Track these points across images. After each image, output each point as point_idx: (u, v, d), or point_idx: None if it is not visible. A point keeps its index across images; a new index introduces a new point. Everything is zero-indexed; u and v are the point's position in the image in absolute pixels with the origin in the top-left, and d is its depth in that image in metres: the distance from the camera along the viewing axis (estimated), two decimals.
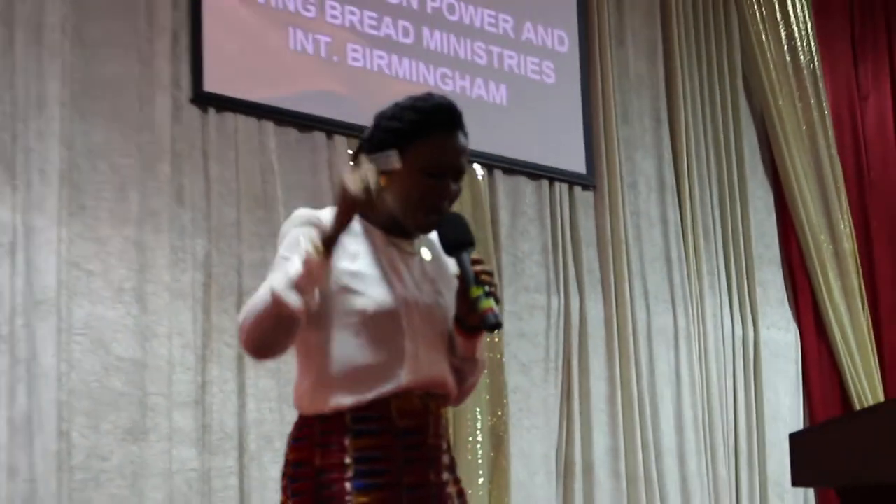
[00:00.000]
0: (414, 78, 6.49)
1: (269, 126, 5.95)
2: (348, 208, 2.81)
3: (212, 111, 5.80)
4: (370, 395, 2.88)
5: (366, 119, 6.16)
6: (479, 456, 6.26)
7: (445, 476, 3.02)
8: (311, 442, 2.92)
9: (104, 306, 5.33)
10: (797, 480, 5.33)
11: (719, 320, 7.41)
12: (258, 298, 2.81)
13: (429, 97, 3.07)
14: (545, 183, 6.89)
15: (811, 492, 7.44)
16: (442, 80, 6.59)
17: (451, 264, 3.06)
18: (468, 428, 6.26)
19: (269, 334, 2.83)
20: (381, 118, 3.04)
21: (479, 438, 6.28)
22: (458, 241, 2.99)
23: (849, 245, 7.89)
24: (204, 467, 5.44)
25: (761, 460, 7.35)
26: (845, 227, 7.90)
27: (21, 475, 4.96)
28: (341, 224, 2.82)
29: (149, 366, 5.37)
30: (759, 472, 7.33)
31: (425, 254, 3.10)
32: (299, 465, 2.94)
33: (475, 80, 6.72)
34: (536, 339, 6.65)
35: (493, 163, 6.67)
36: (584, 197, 7.02)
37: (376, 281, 2.95)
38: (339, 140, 6.15)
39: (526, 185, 6.82)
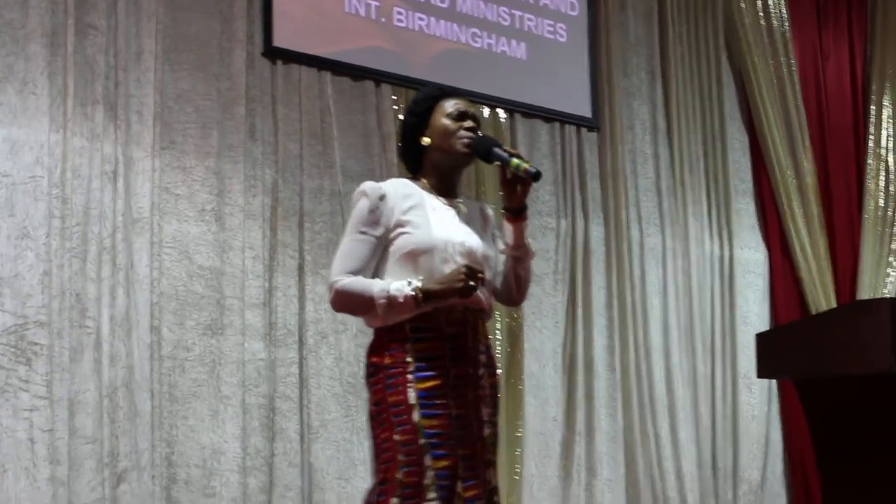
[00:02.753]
0: (448, 36, 6.44)
1: (327, 76, 5.92)
2: (452, 294, 3.16)
3: (279, 63, 5.78)
4: (423, 309, 3.19)
5: (407, 69, 6.19)
6: (499, 351, 6.28)
7: (482, 371, 3.32)
8: (382, 349, 3.25)
9: (189, 224, 5.35)
10: (761, 373, 5.35)
11: (701, 241, 7.37)
12: (359, 288, 3.22)
13: (424, 90, 3.51)
14: (557, 125, 6.84)
15: (775, 384, 7.44)
16: (472, 39, 6.54)
17: (486, 217, 3.52)
18: (490, 328, 6.27)
19: (352, 312, 3.40)
20: (405, 119, 3.47)
21: (499, 337, 6.30)
22: (489, 146, 3.35)
23: (811, 180, 7.82)
24: (270, 358, 5.48)
25: (733, 357, 7.33)
26: (808, 165, 7.83)
27: (121, 362, 5.01)
28: (441, 297, 3.16)
29: (225, 273, 5.40)
30: (731, 367, 7.31)
31: (463, 206, 3.43)
32: (374, 367, 3.26)
33: (500, 39, 6.67)
34: (547, 255, 6.64)
35: (513, 108, 6.64)
36: (589, 137, 6.98)
37: (423, 224, 3.27)
38: (385, 88, 6.12)
39: (541, 127, 6.78)
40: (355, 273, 3.23)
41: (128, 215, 5.14)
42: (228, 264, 5.40)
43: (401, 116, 6.10)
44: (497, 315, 6.29)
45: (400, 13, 6.27)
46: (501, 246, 3.49)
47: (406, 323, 3.21)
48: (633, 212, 7.03)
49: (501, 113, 6.59)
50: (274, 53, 5.76)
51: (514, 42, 6.72)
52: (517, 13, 6.77)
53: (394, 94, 6.15)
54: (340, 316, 5.26)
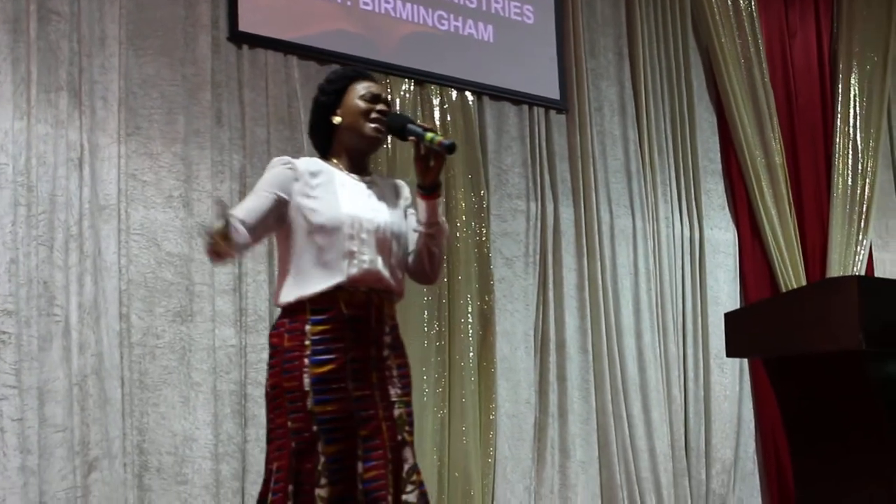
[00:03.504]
0: (415, 19, 6.44)
1: (294, 60, 5.92)
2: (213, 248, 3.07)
3: (245, 48, 5.77)
4: (322, 286, 3.22)
5: (374, 53, 6.18)
6: (471, 334, 6.29)
7: (386, 353, 3.35)
8: (282, 330, 3.27)
9: (156, 210, 5.33)
10: (731, 352, 5.39)
11: (671, 222, 7.41)
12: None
13: (337, 70, 3.54)
14: (525, 108, 6.85)
15: (746, 363, 7.48)
16: (438, 21, 6.54)
17: (399, 193, 3.53)
18: (461, 311, 6.29)
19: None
20: (316, 99, 3.48)
21: (471, 320, 6.31)
22: (403, 122, 3.41)
23: (779, 159, 7.87)
24: (241, 344, 5.47)
25: (704, 337, 7.38)
26: (776, 144, 7.88)
27: (90, 350, 4.99)
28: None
29: (194, 259, 5.38)
30: (702, 347, 7.36)
31: (375, 182, 3.45)
32: (273, 347, 3.29)
33: (466, 21, 6.67)
34: (518, 237, 6.66)
35: (481, 91, 6.64)
36: (558, 119, 7.00)
37: (331, 199, 3.29)
38: None
39: (509, 110, 6.79)
40: (242, 222, 3.18)
41: (94, 202, 5.12)
42: (197, 251, 5.38)
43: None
44: (468, 298, 6.30)
45: None
46: (415, 224, 3.49)
47: (307, 303, 3.22)
48: (602, 193, 7.05)
49: (469, 96, 6.59)
50: (239, 38, 5.74)
51: (481, 24, 6.72)
52: None
53: None
54: None
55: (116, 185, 5.21)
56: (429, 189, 3.39)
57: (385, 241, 3.33)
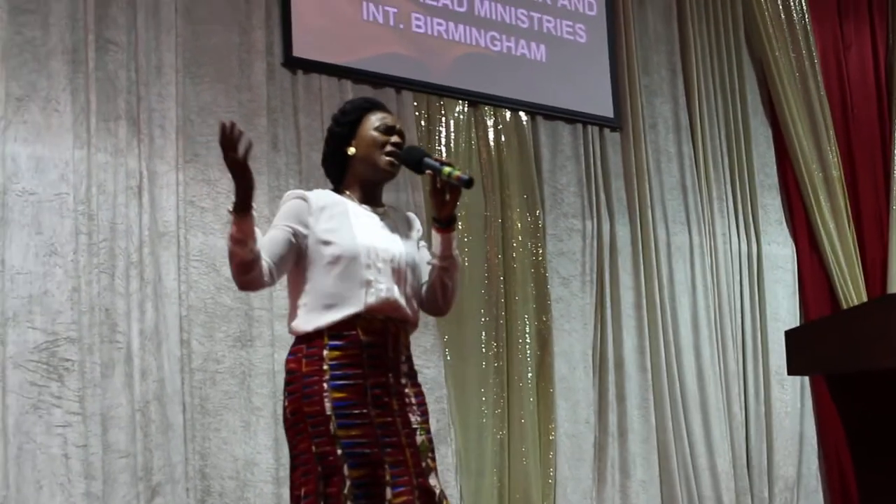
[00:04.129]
0: (467, 41, 6.47)
1: (348, 84, 5.96)
2: (234, 174, 3.16)
3: (300, 73, 5.83)
4: (339, 316, 3.24)
5: (427, 75, 6.23)
6: (528, 355, 6.30)
7: (403, 380, 3.35)
8: (300, 355, 3.28)
9: (215, 236, 5.38)
10: (792, 370, 5.35)
11: (727, 238, 7.38)
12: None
13: (352, 101, 3.57)
14: (579, 126, 6.87)
15: (807, 379, 7.43)
16: (491, 42, 6.57)
17: (411, 225, 3.54)
18: (519, 331, 6.30)
19: (235, 271, 3.25)
20: (330, 130, 3.51)
21: (528, 341, 6.32)
22: (419, 156, 3.40)
23: (836, 172, 7.82)
24: None
25: (764, 354, 7.33)
26: (833, 157, 7.83)
27: (152, 376, 5.05)
28: (240, 188, 3.19)
29: None
30: (762, 363, 7.31)
31: (388, 213, 3.48)
32: (291, 373, 3.29)
33: (519, 42, 6.70)
34: (574, 256, 6.67)
35: (535, 110, 6.67)
36: (612, 137, 7.00)
37: (343, 232, 3.31)
38: (406, 95, 6.17)
39: (563, 129, 6.81)
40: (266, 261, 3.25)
41: (154, 229, 5.18)
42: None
43: (423, 123, 6.16)
44: (525, 318, 6.31)
45: (418, 19, 6.30)
46: (428, 256, 3.50)
47: (324, 331, 3.24)
48: (658, 211, 7.04)
49: (523, 116, 6.61)
50: (294, 63, 5.80)
51: (533, 44, 6.74)
52: (536, 15, 6.80)
53: (415, 101, 6.20)
54: None
55: (175, 211, 5.27)
56: (444, 223, 3.40)
57: (400, 272, 3.36)
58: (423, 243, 3.56)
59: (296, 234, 3.31)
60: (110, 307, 4.99)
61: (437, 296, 3.46)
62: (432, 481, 3.30)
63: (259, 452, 5.29)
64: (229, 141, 3.08)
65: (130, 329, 5.01)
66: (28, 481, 4.68)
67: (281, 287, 5.42)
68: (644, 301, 6.84)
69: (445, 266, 3.43)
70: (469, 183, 3.28)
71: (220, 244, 5.37)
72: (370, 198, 3.46)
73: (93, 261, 4.97)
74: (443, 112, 6.29)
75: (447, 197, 3.35)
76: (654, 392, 6.75)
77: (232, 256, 3.21)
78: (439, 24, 6.38)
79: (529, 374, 6.26)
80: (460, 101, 6.38)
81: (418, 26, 6.29)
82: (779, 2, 7.88)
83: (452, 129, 6.29)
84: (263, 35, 5.72)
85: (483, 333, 6.16)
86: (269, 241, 3.30)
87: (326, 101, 5.85)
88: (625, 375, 6.64)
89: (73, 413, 4.79)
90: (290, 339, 5.35)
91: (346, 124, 3.46)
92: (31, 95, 4.97)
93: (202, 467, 5.17)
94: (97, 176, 5.04)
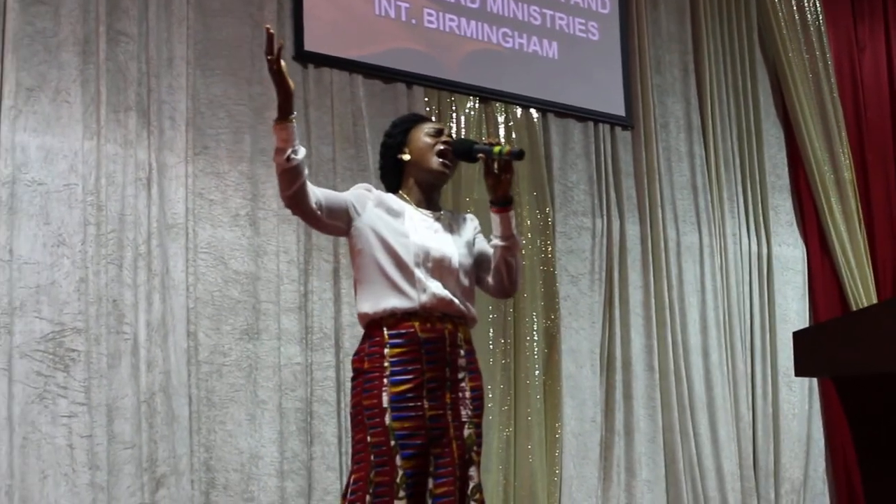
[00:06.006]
0: (479, 37, 6.47)
1: (359, 79, 5.96)
2: (277, 85, 3.35)
3: (311, 67, 5.82)
4: (393, 305, 3.42)
5: (438, 71, 6.23)
6: (536, 352, 6.30)
7: (461, 375, 3.51)
8: (363, 355, 3.47)
9: (223, 229, 5.39)
10: (800, 371, 5.32)
11: (738, 239, 7.37)
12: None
13: (402, 116, 3.87)
14: (590, 124, 6.86)
15: (815, 381, 7.42)
16: (503, 39, 6.56)
17: (468, 225, 3.70)
18: (526, 329, 6.30)
19: (286, 189, 3.38)
20: (384, 143, 3.71)
21: (536, 338, 6.32)
22: (468, 145, 3.62)
23: (848, 174, 7.81)
24: (307, 362, 5.52)
25: (773, 355, 7.32)
26: (845, 159, 7.82)
27: (158, 367, 5.06)
28: (282, 97, 3.37)
29: (261, 278, 5.44)
30: (770, 365, 7.31)
31: (445, 217, 3.63)
32: (355, 371, 3.48)
33: (531, 38, 6.69)
34: (583, 255, 6.66)
35: (546, 108, 6.66)
36: (623, 136, 6.99)
37: (398, 230, 3.49)
38: (417, 90, 6.17)
39: (574, 126, 6.80)
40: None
41: (162, 221, 5.19)
42: (263, 269, 5.44)
43: (433, 118, 6.15)
44: (533, 315, 6.31)
45: (430, 14, 6.30)
46: (487, 247, 3.66)
47: (384, 329, 3.42)
48: (668, 210, 7.04)
49: (534, 113, 6.61)
50: (305, 57, 5.80)
51: (545, 41, 6.74)
52: (548, 12, 6.79)
53: (426, 96, 6.19)
54: None
55: (184, 203, 5.28)
56: (501, 202, 3.55)
57: (451, 272, 3.51)
58: (480, 237, 3.73)
59: (352, 205, 3.49)
60: (118, 298, 5.00)
61: (503, 276, 3.64)
62: (471, 472, 3.46)
63: (264, 446, 5.30)
64: (273, 50, 3.30)
65: (137, 320, 5.02)
66: (33, 471, 4.69)
67: (288, 280, 5.47)
68: (653, 300, 6.83)
69: (508, 245, 3.60)
70: (521, 154, 3.50)
71: (227, 237, 5.39)
72: (428, 201, 3.64)
73: (101, 252, 4.98)
74: (454, 108, 6.29)
75: (503, 177, 3.53)
76: (662, 392, 6.74)
77: (278, 170, 3.38)
78: (451, 20, 6.37)
79: (537, 372, 6.26)
80: (471, 98, 6.38)
81: (430, 22, 6.29)
82: (793, 3, 7.87)
83: (463, 125, 6.29)
84: (275, 28, 5.68)
85: (491, 330, 6.16)
86: (327, 191, 3.53)
87: (337, 95, 5.85)
88: (632, 374, 6.63)
89: (78, 403, 4.80)
90: (297, 334, 5.45)
91: (397, 134, 3.67)
92: (41, 86, 4.98)
93: (207, 459, 5.18)
94: (106, 167, 5.05)
